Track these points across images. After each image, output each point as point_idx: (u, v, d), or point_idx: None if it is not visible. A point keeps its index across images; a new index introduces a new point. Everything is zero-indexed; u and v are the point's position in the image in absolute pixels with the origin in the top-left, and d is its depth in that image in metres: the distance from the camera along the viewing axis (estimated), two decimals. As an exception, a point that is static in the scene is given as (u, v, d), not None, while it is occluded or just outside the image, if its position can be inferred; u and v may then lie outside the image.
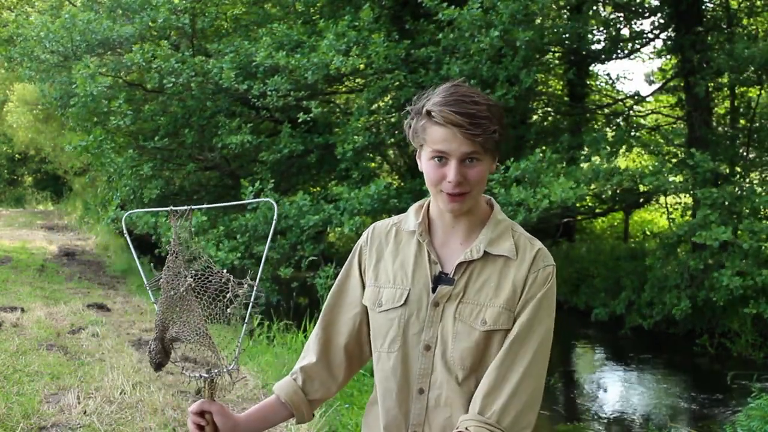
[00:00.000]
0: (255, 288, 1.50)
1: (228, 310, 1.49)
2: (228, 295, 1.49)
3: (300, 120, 8.36)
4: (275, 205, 1.65)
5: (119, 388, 4.68)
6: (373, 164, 10.94)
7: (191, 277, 1.50)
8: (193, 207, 1.55)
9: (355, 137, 8.21)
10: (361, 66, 8.42)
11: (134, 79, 10.19)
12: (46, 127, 19.98)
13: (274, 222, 1.73)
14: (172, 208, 1.55)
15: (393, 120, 8.91)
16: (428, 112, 1.45)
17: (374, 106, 8.84)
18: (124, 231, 1.71)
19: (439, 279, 1.50)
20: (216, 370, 1.51)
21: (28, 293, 8.32)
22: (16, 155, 25.42)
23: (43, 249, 13.10)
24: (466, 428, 1.39)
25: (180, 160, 10.18)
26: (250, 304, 1.50)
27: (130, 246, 1.73)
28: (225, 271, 1.53)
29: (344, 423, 4.30)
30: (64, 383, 4.80)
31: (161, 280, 1.53)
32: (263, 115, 10.05)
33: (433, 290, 1.49)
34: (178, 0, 9.70)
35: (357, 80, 10.34)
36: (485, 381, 1.43)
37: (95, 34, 9.24)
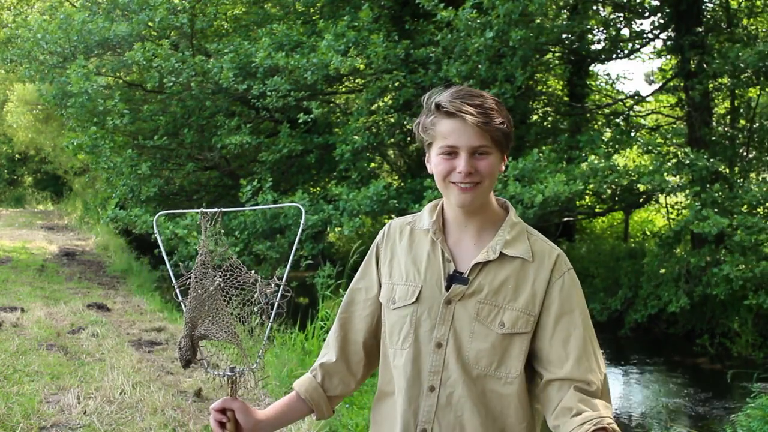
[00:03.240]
0: (281, 287, 1.54)
1: (255, 309, 1.53)
2: (256, 295, 1.53)
3: (300, 121, 8.36)
4: (303, 210, 1.67)
5: (119, 388, 4.68)
6: (372, 164, 10.94)
7: (220, 277, 1.53)
8: (223, 209, 1.59)
9: (355, 137, 8.21)
10: (361, 66, 8.42)
11: (134, 79, 10.19)
12: (46, 127, 19.99)
13: (301, 226, 1.76)
14: (203, 209, 1.58)
15: (392, 120, 8.91)
16: (438, 106, 1.47)
17: (374, 107, 8.84)
18: (156, 232, 1.74)
19: (453, 278, 1.50)
20: (239, 369, 1.54)
21: (28, 293, 8.31)
22: (16, 155, 25.41)
23: (43, 249, 13.09)
24: (598, 426, 1.35)
25: (179, 160, 10.18)
26: (276, 303, 1.54)
27: (161, 247, 1.76)
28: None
29: (344, 423, 4.30)
30: (64, 383, 4.80)
31: (190, 279, 1.56)
32: (263, 115, 10.05)
33: (447, 288, 1.50)
34: (178, 0, 9.71)
35: (357, 80, 10.34)
36: (576, 375, 1.42)
37: (93, 35, 9.24)
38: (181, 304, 1.58)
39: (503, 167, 1.53)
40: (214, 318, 1.53)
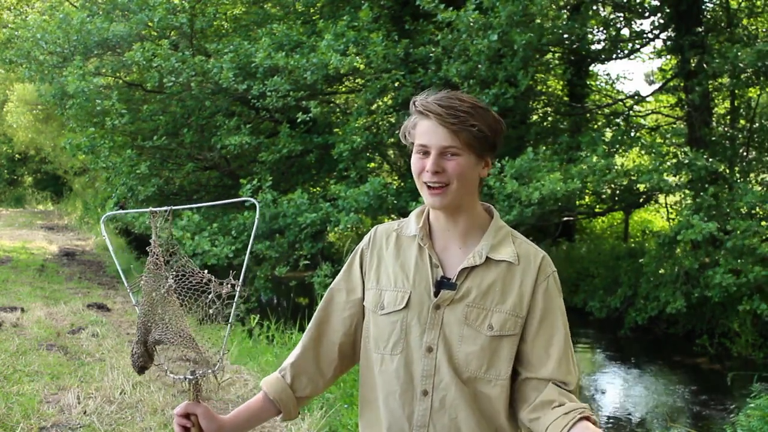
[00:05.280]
0: (239, 288, 1.49)
1: (210, 311, 1.48)
2: (210, 296, 1.48)
3: (299, 120, 8.36)
4: (258, 206, 1.65)
5: (119, 388, 4.68)
6: (372, 164, 10.94)
7: (172, 278, 1.49)
8: (173, 207, 1.55)
9: (354, 137, 8.21)
10: (361, 66, 8.42)
11: (134, 79, 10.19)
12: (46, 127, 20.00)
13: (256, 222, 1.73)
14: (152, 209, 1.55)
15: (392, 120, 8.91)
16: (415, 106, 1.51)
17: (373, 107, 8.84)
18: (103, 232, 1.70)
19: (442, 283, 1.52)
20: (200, 372, 1.50)
21: (28, 293, 8.31)
22: (16, 155, 25.43)
23: (43, 249, 13.10)
24: (582, 415, 1.41)
25: (179, 160, 10.18)
26: (234, 304, 1.50)
27: (109, 246, 1.72)
28: (206, 271, 1.53)
29: (344, 423, 4.30)
30: (64, 383, 4.80)
31: (142, 282, 1.52)
32: (263, 115, 10.05)
33: (435, 294, 1.52)
34: (177, 0, 9.71)
35: (357, 80, 10.34)
36: (556, 374, 1.47)
37: (92, 35, 9.24)
38: (136, 308, 1.54)
39: (485, 172, 1.54)
40: (169, 321, 1.49)
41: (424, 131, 1.48)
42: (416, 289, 1.53)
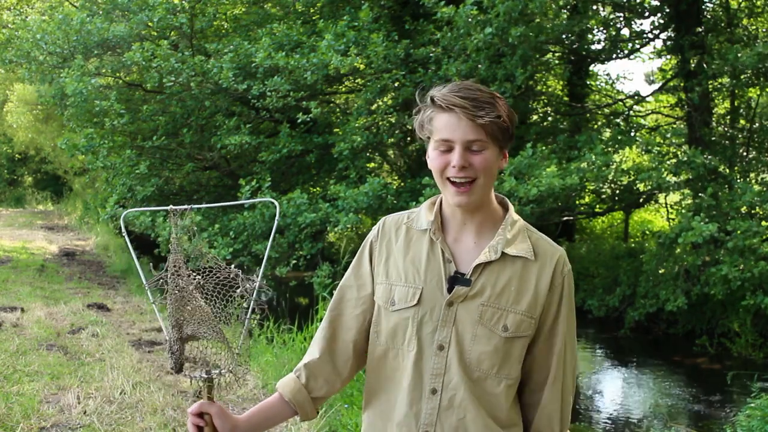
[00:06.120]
0: (257, 285, 1.49)
1: (244, 304, 1.48)
2: (239, 290, 1.48)
3: (299, 121, 8.36)
4: (277, 205, 1.64)
5: (119, 388, 4.68)
6: (372, 164, 10.95)
7: (200, 275, 1.48)
8: (193, 206, 1.53)
9: (354, 137, 8.21)
10: (361, 66, 8.42)
11: (134, 79, 10.19)
12: (46, 127, 20.01)
13: (276, 221, 1.72)
14: (171, 207, 1.52)
15: (392, 120, 8.92)
16: (433, 100, 1.45)
17: (373, 107, 8.85)
18: (123, 229, 1.68)
19: (455, 279, 1.47)
20: (216, 371, 1.49)
21: (28, 293, 8.31)
22: (16, 155, 25.43)
23: (43, 249, 13.10)
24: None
25: (179, 160, 10.19)
26: (251, 302, 1.49)
27: (128, 244, 1.70)
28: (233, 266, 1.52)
29: (344, 423, 4.29)
30: (64, 383, 4.80)
31: (167, 279, 1.50)
32: (263, 115, 10.06)
33: (449, 290, 1.47)
34: (177, 0, 9.71)
35: (357, 80, 10.35)
36: (548, 398, 1.54)
37: (92, 36, 9.25)
38: (160, 304, 1.53)
39: (503, 164, 1.50)
40: (200, 317, 1.48)
41: (445, 125, 1.43)
42: (428, 285, 1.48)
